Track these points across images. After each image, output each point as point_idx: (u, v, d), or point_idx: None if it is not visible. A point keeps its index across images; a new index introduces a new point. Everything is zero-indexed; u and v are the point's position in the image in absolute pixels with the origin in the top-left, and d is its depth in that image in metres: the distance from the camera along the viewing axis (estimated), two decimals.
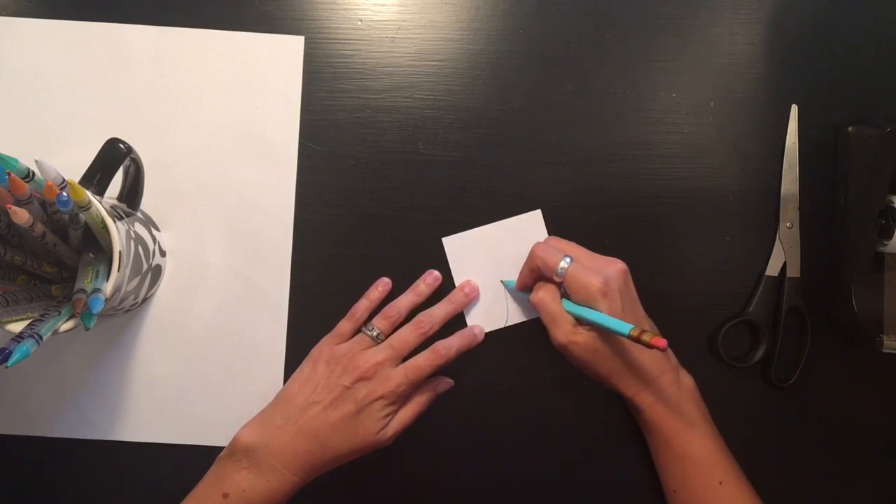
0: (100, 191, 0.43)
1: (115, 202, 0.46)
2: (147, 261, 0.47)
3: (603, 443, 0.52)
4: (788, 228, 0.53)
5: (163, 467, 0.51)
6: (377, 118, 0.53)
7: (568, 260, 0.45)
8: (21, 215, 0.36)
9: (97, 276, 0.40)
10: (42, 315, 0.40)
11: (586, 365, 0.46)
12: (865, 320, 0.50)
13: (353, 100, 0.53)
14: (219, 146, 0.52)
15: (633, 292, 0.46)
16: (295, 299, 0.52)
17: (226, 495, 0.44)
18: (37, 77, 0.52)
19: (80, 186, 0.37)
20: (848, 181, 0.51)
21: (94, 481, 0.51)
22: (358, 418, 0.46)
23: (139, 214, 0.48)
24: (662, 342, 0.39)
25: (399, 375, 0.47)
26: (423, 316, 0.50)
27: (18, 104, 0.52)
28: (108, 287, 0.40)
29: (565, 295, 0.46)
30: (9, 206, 0.36)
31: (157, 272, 0.50)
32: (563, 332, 0.45)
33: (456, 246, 0.52)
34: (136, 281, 0.45)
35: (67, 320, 0.40)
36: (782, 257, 0.53)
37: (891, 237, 0.49)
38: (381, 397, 0.46)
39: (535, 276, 0.48)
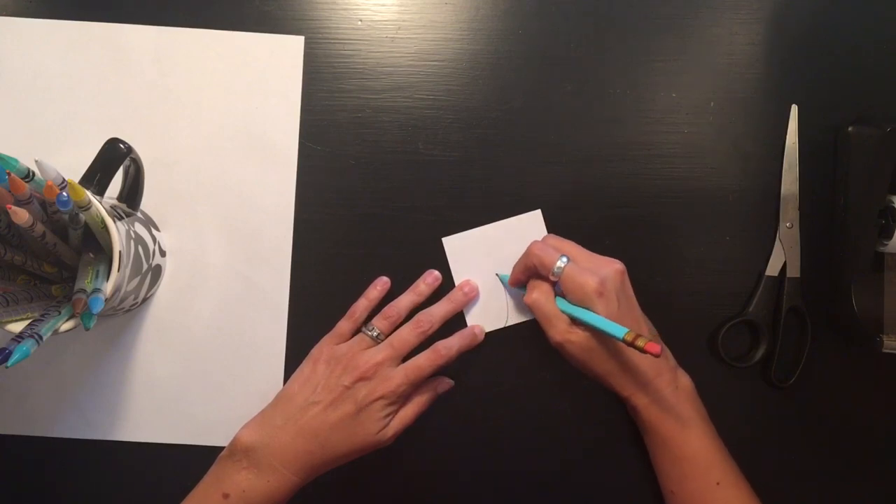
0: (100, 191, 0.43)
1: (115, 202, 0.46)
2: (147, 261, 0.47)
3: (603, 443, 0.52)
4: (788, 228, 0.53)
5: (163, 467, 0.51)
6: (377, 118, 0.53)
7: (565, 259, 0.45)
8: (21, 215, 0.36)
9: (97, 276, 0.40)
10: (42, 315, 0.40)
11: (582, 364, 0.46)
12: (865, 320, 0.50)
13: (353, 100, 0.53)
14: (219, 146, 0.52)
15: (631, 293, 0.46)
16: (295, 299, 0.52)
17: (226, 495, 0.44)
18: (37, 77, 0.52)
19: (80, 186, 0.37)
20: (848, 181, 0.51)
21: (94, 481, 0.51)
22: (358, 418, 0.46)
23: (139, 214, 0.48)
24: (656, 348, 0.38)
25: (399, 375, 0.47)
26: (422, 315, 0.50)
27: (18, 104, 0.52)
28: (108, 287, 0.40)
29: (561, 294, 0.46)
30: (9, 206, 0.36)
31: (157, 272, 0.50)
32: (559, 332, 0.45)
33: (456, 246, 0.52)
34: (136, 281, 0.45)
35: (67, 320, 0.40)
36: (782, 257, 0.53)
37: (891, 237, 0.49)
38: (381, 397, 0.46)
39: (529, 273, 0.48)
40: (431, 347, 0.48)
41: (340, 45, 0.53)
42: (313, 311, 0.51)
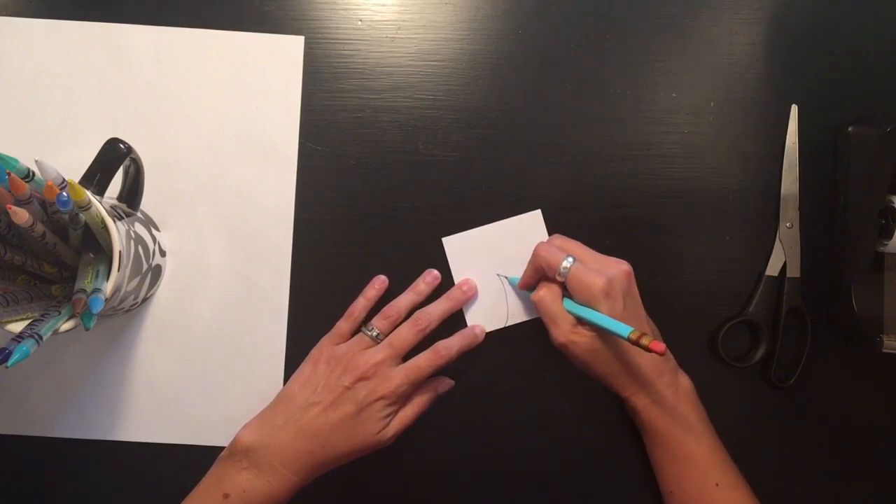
0: (100, 191, 0.43)
1: (115, 202, 0.46)
2: (147, 261, 0.47)
3: (603, 443, 0.52)
4: (788, 228, 0.53)
5: (163, 467, 0.51)
6: (377, 118, 0.53)
7: (571, 260, 0.45)
8: (21, 215, 0.36)
9: (97, 276, 0.40)
10: (42, 315, 0.40)
11: (585, 365, 0.46)
12: (865, 320, 0.50)
13: (353, 100, 0.53)
14: (219, 146, 0.52)
15: (636, 295, 0.46)
16: (295, 299, 0.52)
17: (226, 495, 0.44)
18: (37, 77, 0.52)
19: (80, 186, 0.37)
20: (848, 181, 0.51)
21: (94, 481, 0.51)
22: (358, 418, 0.46)
23: (139, 214, 0.48)
24: (661, 346, 0.39)
25: (399, 375, 0.47)
26: (420, 313, 0.50)
27: (18, 104, 0.52)
28: (108, 287, 0.40)
29: (568, 295, 0.46)
30: (9, 206, 0.36)
31: (157, 272, 0.50)
32: (563, 332, 0.45)
33: (456, 246, 0.52)
34: (136, 281, 0.45)
35: (67, 320, 0.40)
36: (782, 257, 0.53)
37: (891, 237, 0.49)
38: (381, 397, 0.46)
39: (538, 275, 0.48)
40: (432, 347, 0.48)
41: (340, 45, 0.53)
42: (313, 311, 0.51)
